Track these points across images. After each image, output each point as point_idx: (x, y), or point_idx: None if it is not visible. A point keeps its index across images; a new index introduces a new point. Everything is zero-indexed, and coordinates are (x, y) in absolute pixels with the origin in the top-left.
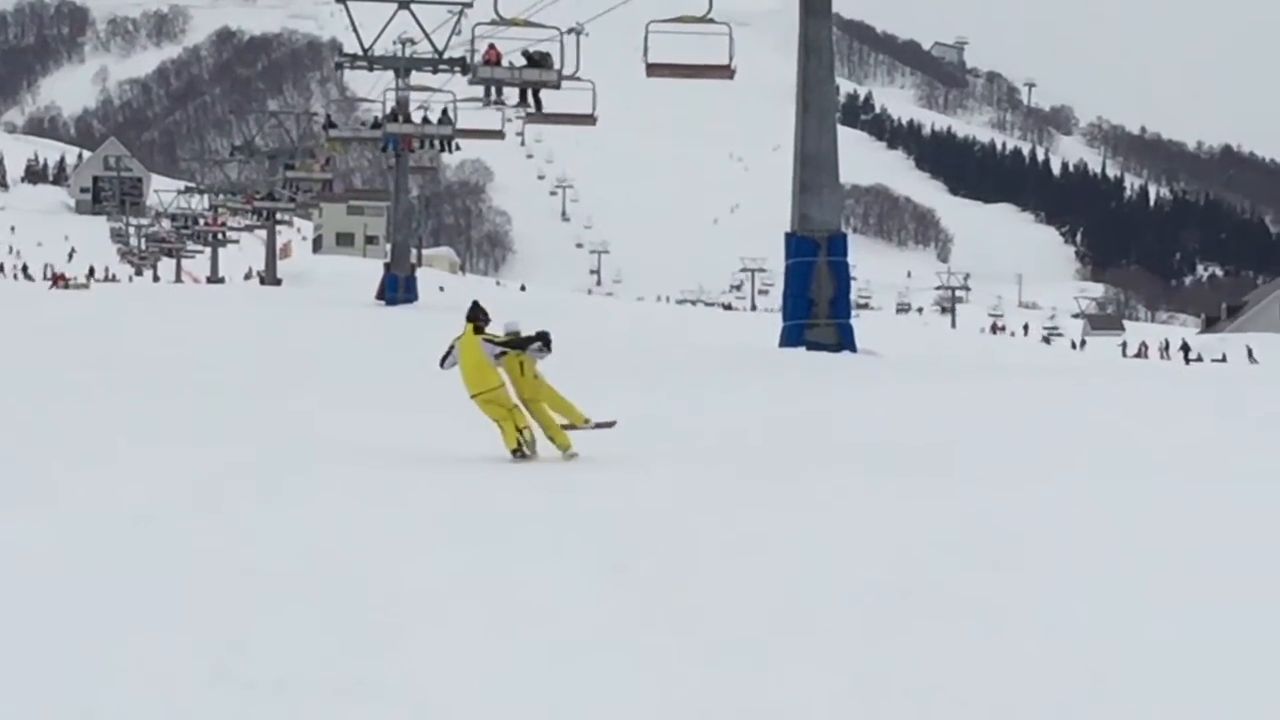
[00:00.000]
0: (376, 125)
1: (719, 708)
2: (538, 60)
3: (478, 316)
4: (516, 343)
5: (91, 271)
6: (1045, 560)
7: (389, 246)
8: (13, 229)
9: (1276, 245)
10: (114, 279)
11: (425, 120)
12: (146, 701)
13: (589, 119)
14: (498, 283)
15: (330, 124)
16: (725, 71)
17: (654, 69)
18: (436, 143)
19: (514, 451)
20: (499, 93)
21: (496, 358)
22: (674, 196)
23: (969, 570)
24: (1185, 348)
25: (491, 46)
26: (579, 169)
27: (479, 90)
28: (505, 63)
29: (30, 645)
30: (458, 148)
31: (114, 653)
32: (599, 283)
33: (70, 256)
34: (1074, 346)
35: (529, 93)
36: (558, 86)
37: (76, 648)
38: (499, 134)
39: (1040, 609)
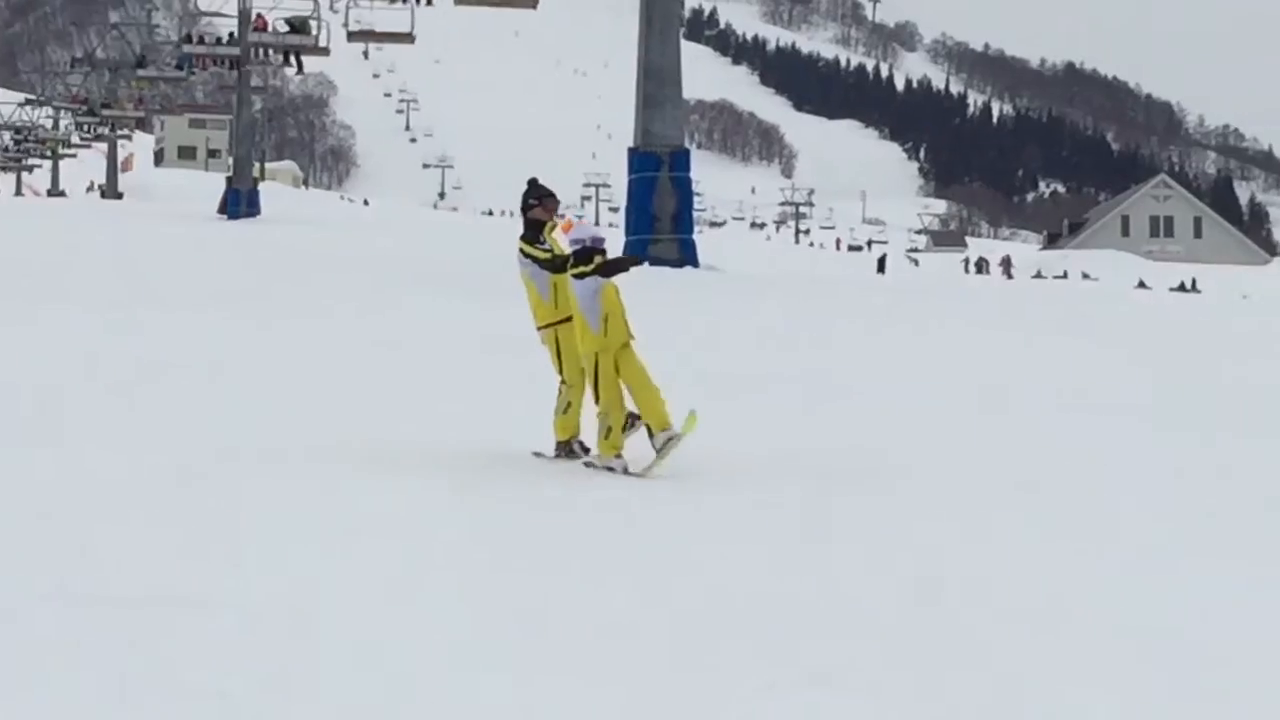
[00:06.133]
0: (179, 67)
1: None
2: (297, 26)
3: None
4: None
5: None
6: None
7: (231, 160)
8: None
9: (1118, 162)
10: None
11: (218, 41)
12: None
13: (407, 38)
14: (342, 197)
15: (141, 64)
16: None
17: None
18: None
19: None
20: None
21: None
22: (518, 111)
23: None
24: (1006, 263)
25: (260, 16)
26: (422, 83)
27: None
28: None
29: None
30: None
31: None
32: (443, 197)
33: None
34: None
35: (289, 55)
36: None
37: None
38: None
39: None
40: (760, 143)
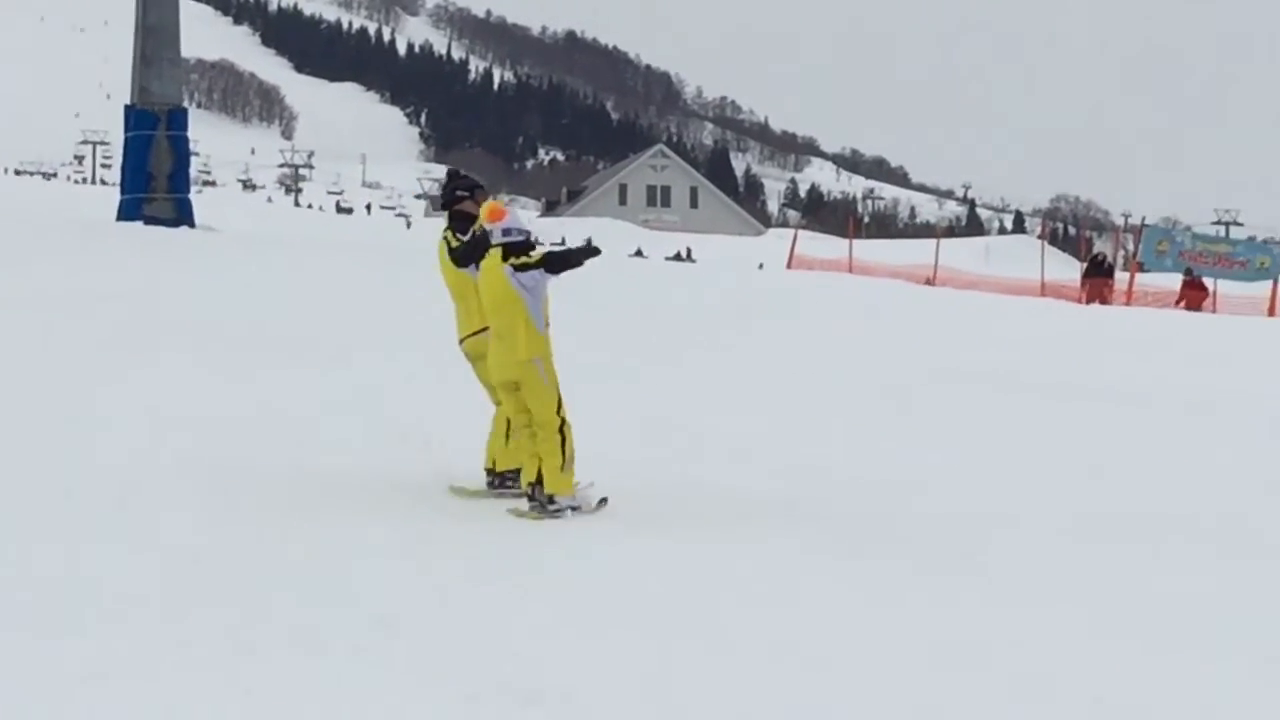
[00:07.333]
0: None
1: None
2: None
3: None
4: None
5: None
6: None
7: None
8: None
9: (617, 131)
10: None
11: None
12: None
13: None
14: None
15: None
16: None
17: None
18: None
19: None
20: None
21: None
22: (13, 67)
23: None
24: None
25: None
26: None
27: None
28: None
29: None
30: None
31: None
32: None
33: None
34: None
35: None
36: None
37: None
38: None
39: None
40: (261, 104)
